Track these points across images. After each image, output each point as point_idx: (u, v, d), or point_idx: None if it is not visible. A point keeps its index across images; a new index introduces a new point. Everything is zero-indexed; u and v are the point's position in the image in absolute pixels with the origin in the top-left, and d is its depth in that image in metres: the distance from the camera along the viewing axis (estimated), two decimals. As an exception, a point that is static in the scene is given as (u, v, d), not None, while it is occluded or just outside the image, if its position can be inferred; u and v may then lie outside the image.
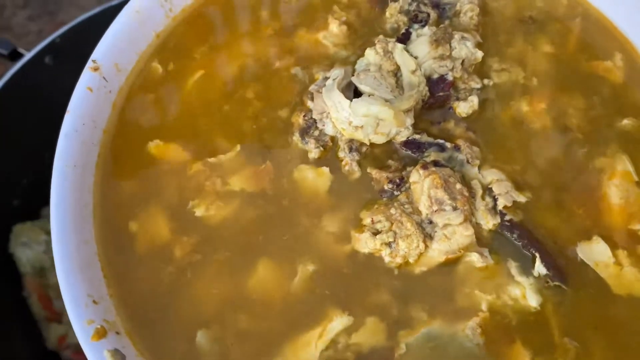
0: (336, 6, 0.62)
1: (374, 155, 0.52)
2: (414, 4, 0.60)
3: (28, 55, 0.91)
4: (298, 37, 0.60)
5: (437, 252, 0.47)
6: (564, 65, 0.59)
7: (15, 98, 0.92)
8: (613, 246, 0.48)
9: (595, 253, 0.48)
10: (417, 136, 0.52)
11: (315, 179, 0.52)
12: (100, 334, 0.43)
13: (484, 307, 0.46)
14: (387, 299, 0.46)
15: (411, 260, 0.47)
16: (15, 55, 0.92)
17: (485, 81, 0.56)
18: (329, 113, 0.52)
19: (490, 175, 0.50)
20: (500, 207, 0.49)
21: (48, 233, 0.89)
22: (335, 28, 0.60)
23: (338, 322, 0.45)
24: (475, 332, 0.44)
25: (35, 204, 0.99)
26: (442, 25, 0.57)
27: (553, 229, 0.49)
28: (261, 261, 0.48)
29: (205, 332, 0.46)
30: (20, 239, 0.93)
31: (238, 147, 0.53)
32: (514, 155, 0.53)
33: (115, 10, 1.00)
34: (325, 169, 0.52)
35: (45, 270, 0.94)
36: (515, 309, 0.46)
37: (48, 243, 0.93)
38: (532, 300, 0.46)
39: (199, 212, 0.51)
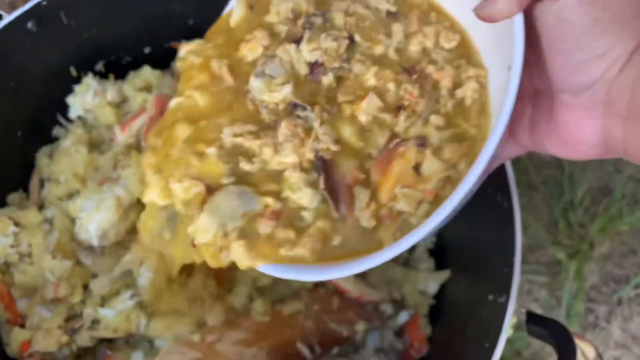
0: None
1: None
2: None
3: (8, 18, 0.79)
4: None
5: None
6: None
7: (-11, 66, 0.78)
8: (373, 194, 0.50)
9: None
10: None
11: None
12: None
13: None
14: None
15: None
16: (-8, 17, 0.79)
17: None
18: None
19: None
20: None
21: (16, 223, 0.83)
22: None
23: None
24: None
25: (1, 190, 0.86)
26: None
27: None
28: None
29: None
30: (-17, 230, 0.79)
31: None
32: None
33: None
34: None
35: (10, 266, 0.82)
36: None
37: (16, 235, 0.82)
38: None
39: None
